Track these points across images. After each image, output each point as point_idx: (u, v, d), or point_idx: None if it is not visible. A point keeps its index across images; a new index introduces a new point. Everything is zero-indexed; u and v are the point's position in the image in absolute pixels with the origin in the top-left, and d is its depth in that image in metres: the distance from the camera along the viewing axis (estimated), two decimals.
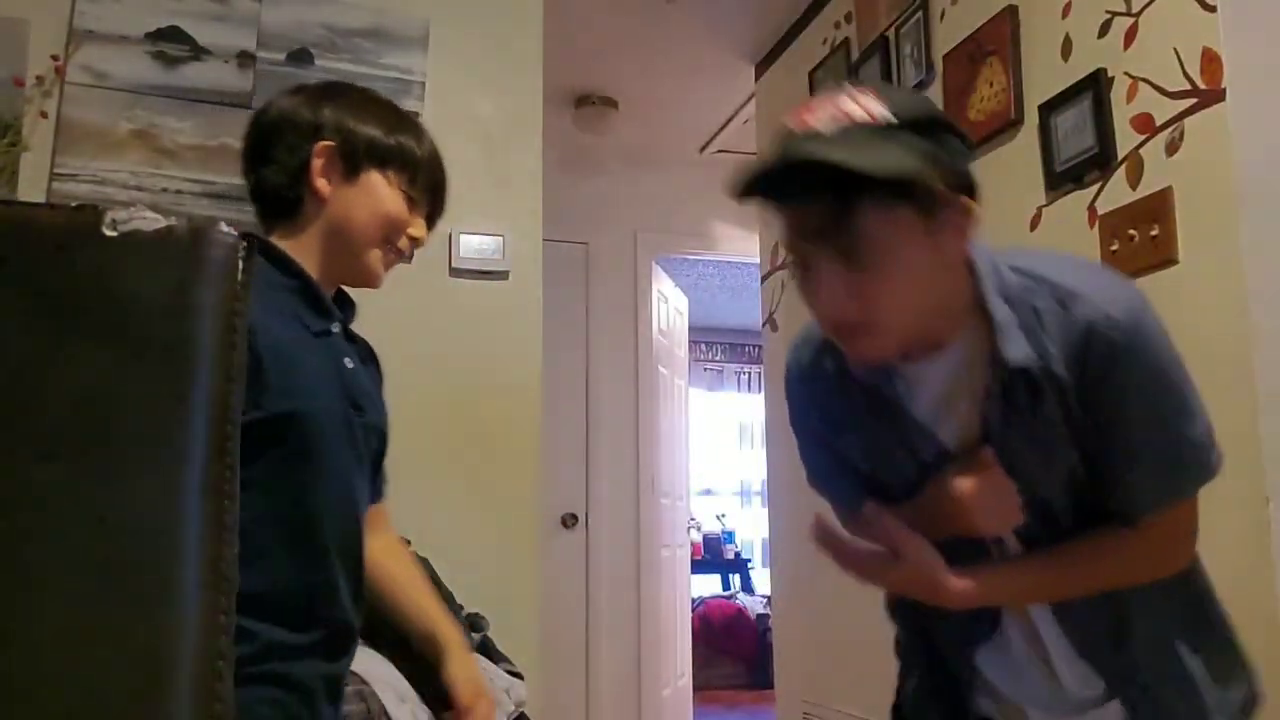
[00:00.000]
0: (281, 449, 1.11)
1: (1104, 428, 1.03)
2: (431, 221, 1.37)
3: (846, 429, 1.20)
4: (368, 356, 1.37)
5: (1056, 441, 1.05)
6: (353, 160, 1.26)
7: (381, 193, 1.27)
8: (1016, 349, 1.01)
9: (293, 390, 1.13)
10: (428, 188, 1.33)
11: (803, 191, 0.99)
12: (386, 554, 1.43)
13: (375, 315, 2.34)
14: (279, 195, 1.26)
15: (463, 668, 1.39)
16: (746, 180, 1.00)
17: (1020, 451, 1.05)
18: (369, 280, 1.31)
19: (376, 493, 1.38)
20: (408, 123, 1.33)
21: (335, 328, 1.26)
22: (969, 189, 1.01)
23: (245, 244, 0.83)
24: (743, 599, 6.61)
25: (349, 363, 1.26)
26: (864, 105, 0.96)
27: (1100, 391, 1.02)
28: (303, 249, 1.25)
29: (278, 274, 1.21)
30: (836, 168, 0.92)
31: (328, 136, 1.25)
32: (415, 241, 1.33)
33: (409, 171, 1.29)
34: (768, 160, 0.98)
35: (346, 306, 1.33)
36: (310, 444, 1.14)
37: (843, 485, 1.30)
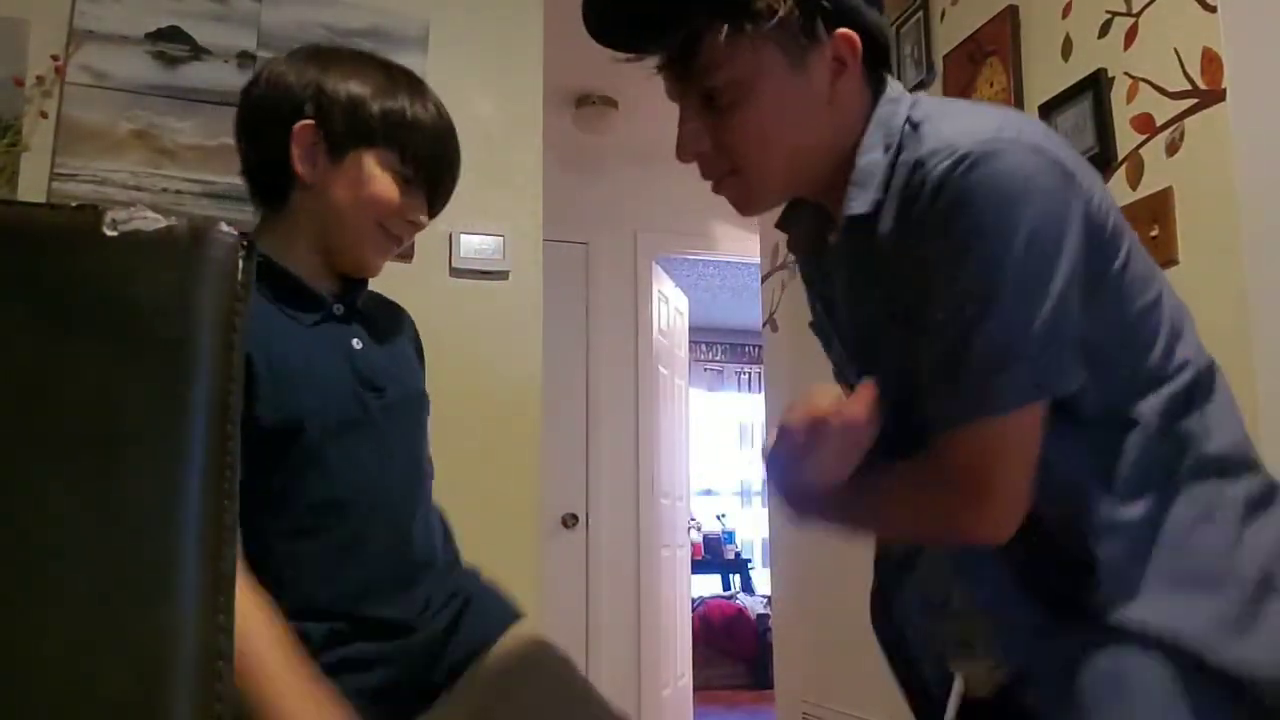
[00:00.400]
0: (291, 455, 1.07)
1: (913, 301, 0.86)
2: (436, 200, 1.23)
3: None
4: (389, 328, 1.27)
5: (880, 320, 0.91)
6: (336, 140, 1.14)
7: (369, 175, 1.14)
8: (858, 201, 0.90)
9: (291, 395, 1.08)
10: (425, 163, 1.18)
11: (647, 32, 0.94)
12: None
13: None
14: (264, 180, 1.18)
15: None
16: (588, 25, 0.97)
17: (864, 332, 0.94)
18: (364, 270, 1.21)
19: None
20: (402, 86, 1.17)
21: (338, 309, 1.18)
22: (853, 21, 0.91)
23: (246, 244, 0.83)
24: (743, 599, 6.61)
25: (357, 344, 1.18)
26: None
27: (909, 246, 0.86)
28: (293, 237, 1.16)
29: (265, 277, 1.15)
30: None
31: (308, 114, 1.13)
32: (413, 226, 1.21)
33: (398, 147, 1.15)
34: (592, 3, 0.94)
35: (354, 284, 1.23)
36: (316, 447, 1.09)
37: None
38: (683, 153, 0.96)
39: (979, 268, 0.81)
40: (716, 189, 0.97)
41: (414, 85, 1.19)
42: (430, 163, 1.18)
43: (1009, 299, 0.80)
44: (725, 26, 0.88)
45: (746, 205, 0.98)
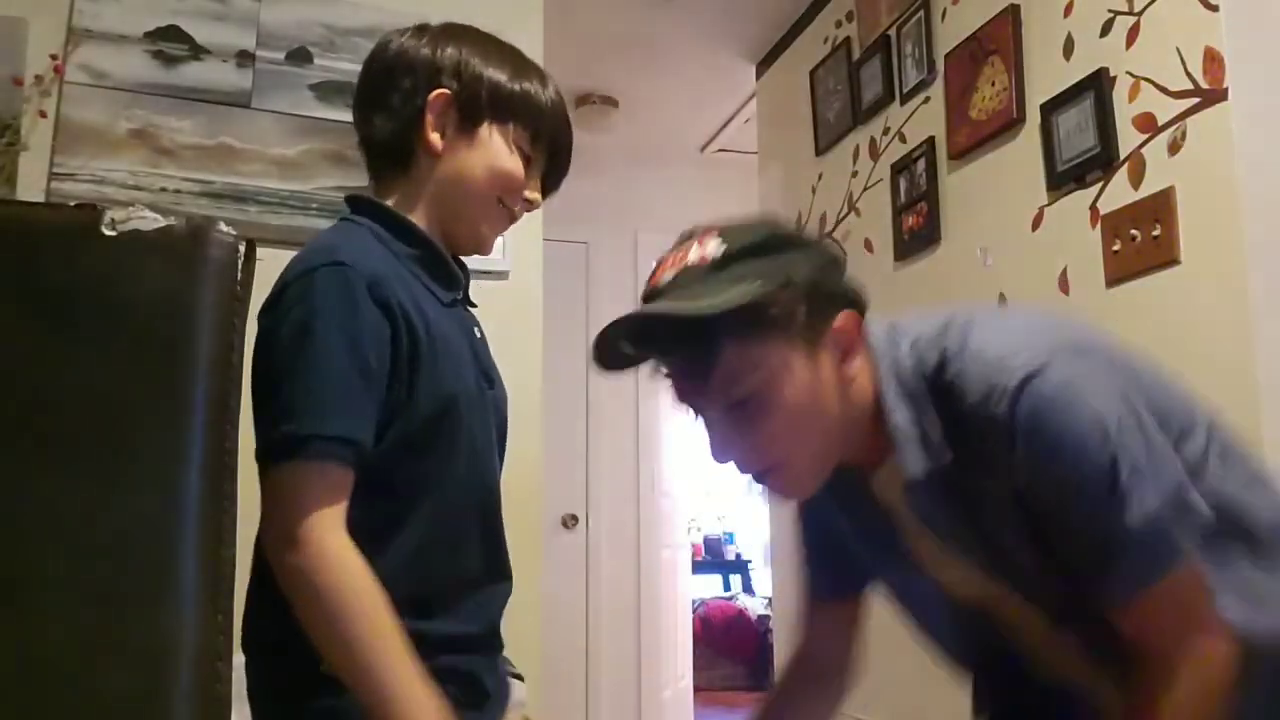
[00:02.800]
0: (439, 438, 1.06)
1: (1042, 514, 0.94)
2: (551, 183, 1.23)
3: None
4: (479, 326, 1.27)
5: (998, 528, 0.96)
6: (471, 112, 1.13)
7: (499, 149, 1.14)
8: (913, 463, 0.95)
9: (447, 374, 1.07)
10: (549, 145, 1.19)
11: (660, 350, 0.98)
12: None
13: None
14: (390, 146, 1.15)
15: None
16: (600, 353, 0.99)
17: (985, 552, 0.98)
18: (480, 246, 1.19)
19: None
20: (532, 70, 1.19)
21: (459, 293, 1.18)
22: (847, 300, 0.98)
23: (246, 244, 0.82)
24: (743, 600, 6.61)
25: (478, 332, 1.19)
26: (700, 245, 0.97)
27: (1001, 483, 0.94)
28: (415, 209, 1.15)
29: (401, 242, 1.12)
30: (668, 319, 0.92)
31: (445, 84, 1.13)
32: (529, 205, 1.20)
33: (531, 127, 1.16)
34: (604, 330, 0.98)
35: (464, 271, 1.22)
36: (461, 428, 1.08)
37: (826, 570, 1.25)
38: (722, 456, 1.02)
39: (1091, 471, 0.88)
40: (760, 481, 1.02)
41: (540, 71, 1.20)
42: (554, 145, 1.20)
43: (1133, 474, 0.88)
44: (747, 338, 0.93)
45: (797, 494, 1.05)
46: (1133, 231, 1.89)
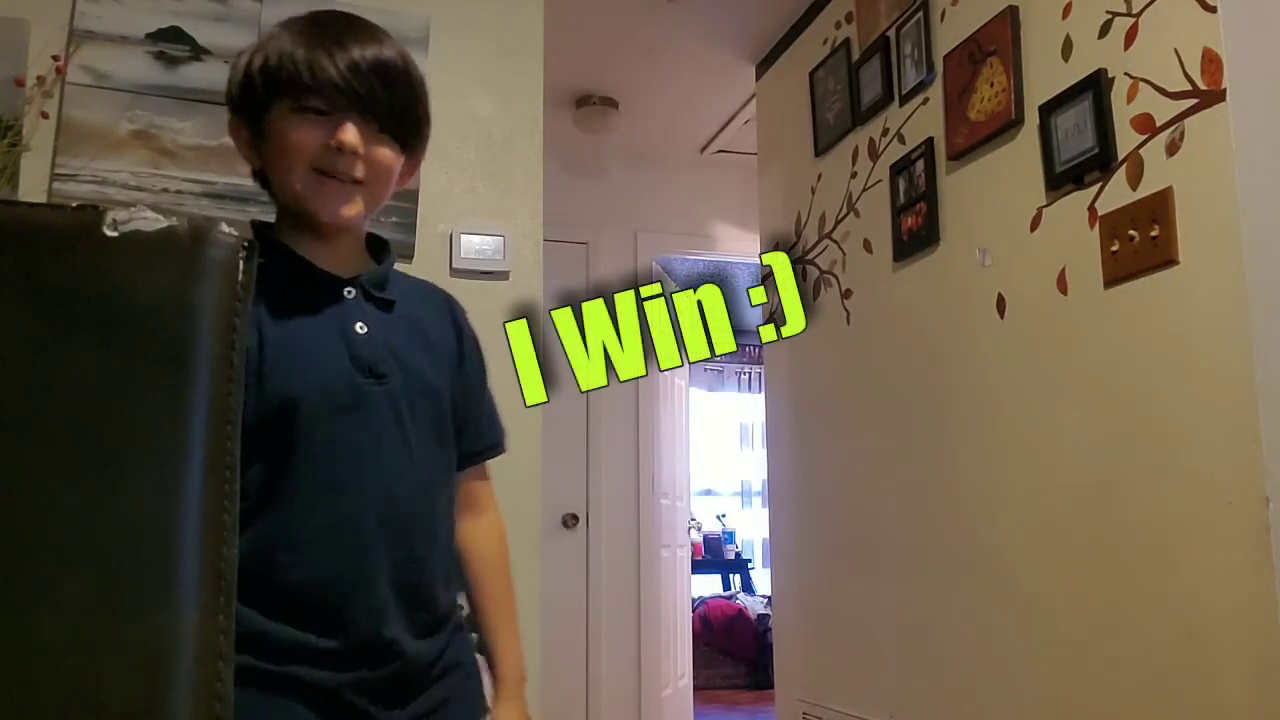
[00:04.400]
0: (275, 443, 1.05)
1: None
2: (371, 114, 1.12)
3: None
4: (419, 315, 1.22)
5: None
6: (248, 119, 1.14)
7: (278, 131, 1.11)
8: None
9: (279, 379, 1.06)
10: (335, 87, 1.09)
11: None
12: (467, 541, 1.31)
13: None
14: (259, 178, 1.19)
15: (508, 712, 1.25)
16: None
17: None
18: (329, 218, 1.14)
19: (463, 459, 1.27)
20: (262, 42, 1.14)
21: (349, 292, 1.14)
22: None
23: (246, 244, 0.83)
24: (743, 599, 6.61)
25: (361, 328, 1.13)
26: None
27: None
28: (282, 219, 1.19)
29: (274, 260, 1.12)
30: None
31: (230, 107, 1.16)
32: (340, 151, 1.10)
33: (291, 89, 1.08)
34: None
35: (383, 252, 1.21)
36: (303, 430, 1.06)
37: None
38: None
39: None
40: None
41: (333, 35, 1.14)
42: (330, 84, 1.09)
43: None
44: None
45: None
46: (1131, 232, 1.89)
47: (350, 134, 1.10)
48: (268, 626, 1.02)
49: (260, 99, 1.11)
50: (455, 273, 2.44)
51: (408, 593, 1.11)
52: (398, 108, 1.15)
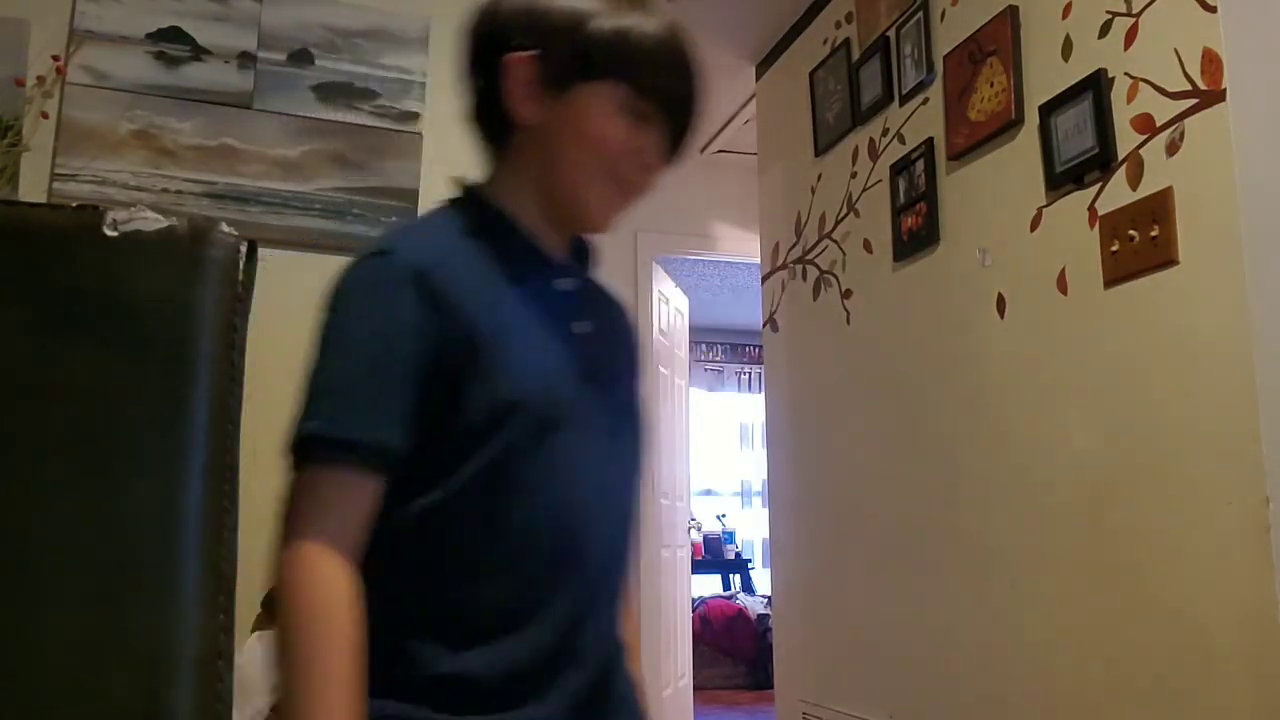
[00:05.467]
0: (496, 448, 0.89)
1: None
2: (679, 139, 1.01)
3: None
4: (616, 317, 1.09)
5: None
6: (556, 72, 0.96)
7: (593, 112, 0.96)
8: None
9: (514, 377, 0.90)
10: (663, 95, 0.97)
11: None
12: None
13: None
14: (479, 122, 1.04)
15: None
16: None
17: None
18: (593, 224, 1.02)
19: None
20: (631, 5, 0.99)
21: (566, 284, 1.00)
22: None
23: (246, 244, 0.83)
24: (743, 599, 6.61)
25: (581, 327, 0.99)
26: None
27: None
28: (517, 185, 1.00)
29: (481, 226, 0.97)
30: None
31: (521, 43, 0.97)
32: (648, 170, 1.00)
33: (631, 79, 0.96)
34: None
35: (585, 254, 1.06)
36: (522, 441, 0.90)
37: None
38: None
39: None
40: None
41: (647, 4, 1.00)
42: (667, 96, 0.98)
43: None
44: None
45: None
46: (1131, 232, 1.89)
47: (663, 150, 1.00)
48: (463, 668, 0.87)
49: (594, 64, 0.96)
50: None
51: (614, 631, 0.98)
52: (687, 149, 1.05)
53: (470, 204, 1.01)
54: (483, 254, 0.95)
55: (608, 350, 1.03)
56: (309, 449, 0.87)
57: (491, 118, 1.02)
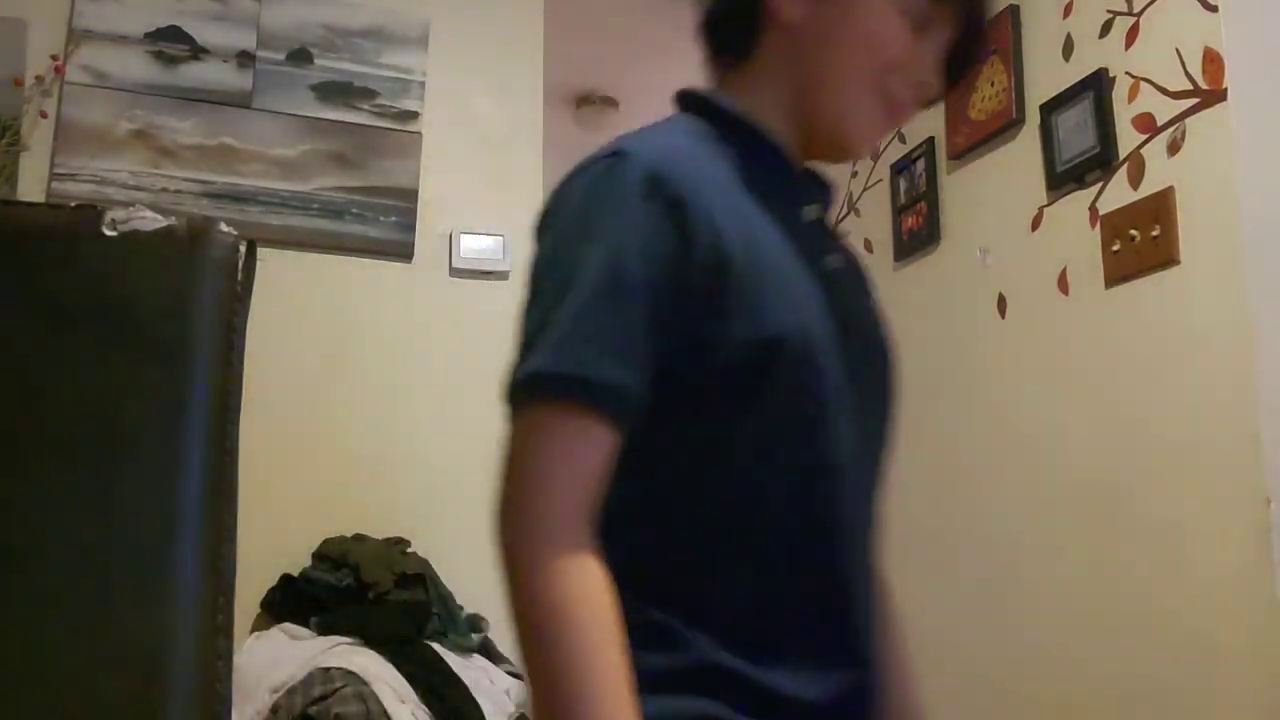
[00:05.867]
0: (757, 398, 0.75)
1: None
2: (960, 62, 0.87)
3: None
4: (856, 262, 0.93)
5: None
6: None
7: (871, 12, 0.82)
8: None
9: (771, 308, 0.75)
10: (958, 8, 0.84)
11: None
12: None
13: (375, 314, 2.35)
14: (723, 24, 0.88)
15: None
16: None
17: None
18: (849, 147, 0.88)
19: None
20: None
21: (812, 212, 0.86)
22: None
23: (246, 244, 0.83)
24: None
25: (832, 262, 0.84)
26: None
27: None
28: (761, 98, 0.86)
29: (728, 139, 0.83)
30: None
31: None
32: (920, 89, 0.86)
33: None
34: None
35: (821, 186, 0.91)
36: (800, 385, 0.76)
37: None
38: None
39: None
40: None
41: None
42: (965, 8, 0.85)
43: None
44: None
45: None
46: (1132, 232, 1.89)
47: (940, 69, 0.86)
48: (724, 660, 0.74)
49: None
50: (455, 273, 2.44)
51: (873, 618, 0.84)
52: (966, 74, 0.90)
53: (710, 112, 0.85)
54: (729, 167, 0.81)
55: (855, 295, 0.88)
56: (540, 390, 0.71)
57: (740, 18, 0.86)
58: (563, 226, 0.78)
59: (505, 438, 0.73)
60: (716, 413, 0.76)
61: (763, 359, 0.75)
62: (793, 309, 0.77)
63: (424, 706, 1.80)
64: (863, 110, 0.84)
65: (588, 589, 0.68)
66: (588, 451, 0.71)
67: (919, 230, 2.58)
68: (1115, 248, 1.93)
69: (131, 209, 0.76)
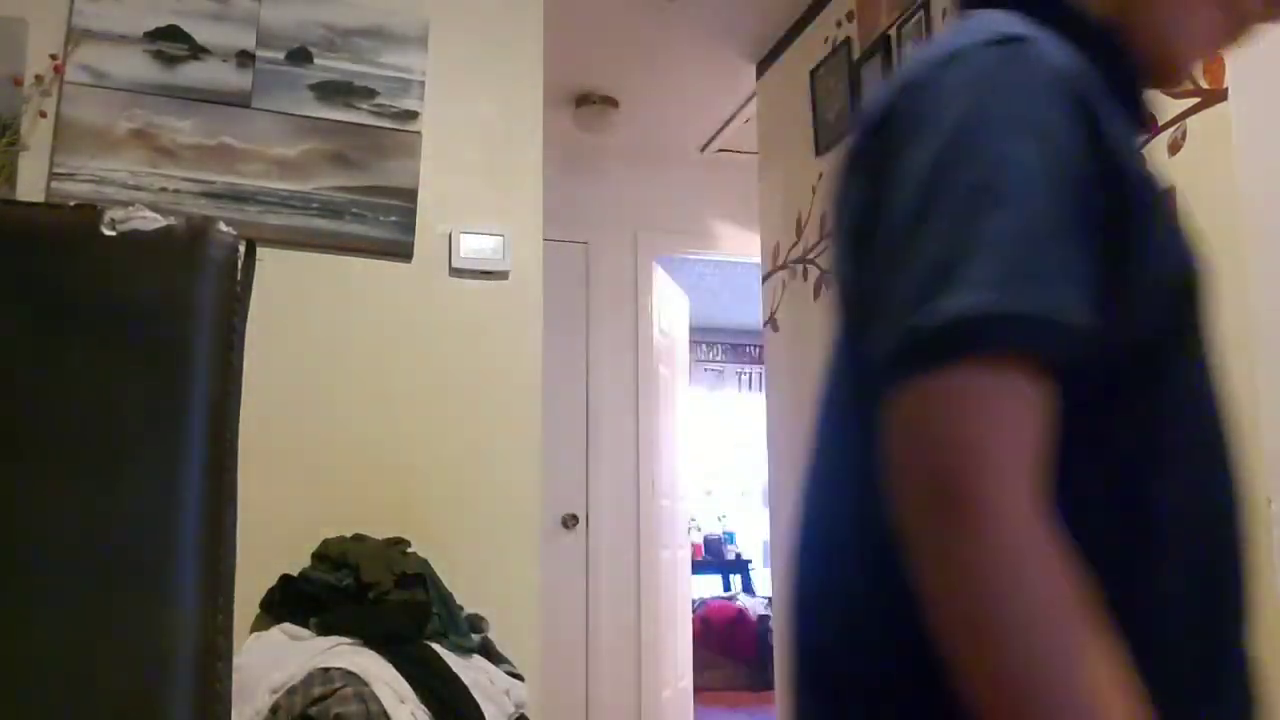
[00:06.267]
0: (1172, 354, 0.61)
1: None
2: None
3: None
4: None
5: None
6: None
7: None
8: None
9: (1171, 243, 0.64)
10: None
11: None
12: None
13: (375, 314, 2.35)
14: None
15: None
16: None
17: None
18: (1179, 66, 0.74)
19: None
20: None
21: (1143, 144, 0.76)
22: None
23: (246, 244, 0.83)
24: (743, 600, 6.61)
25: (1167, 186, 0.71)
26: None
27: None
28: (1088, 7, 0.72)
29: (1075, 43, 0.65)
30: None
31: None
32: (1273, 7, 0.72)
33: None
34: None
35: (1151, 121, 0.79)
36: (1184, 354, 0.63)
37: None
38: None
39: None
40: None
41: None
42: None
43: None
44: None
45: None
46: None
47: None
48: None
49: None
50: (455, 272, 2.44)
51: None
52: None
53: (1040, 9, 0.68)
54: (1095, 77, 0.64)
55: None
56: (985, 335, 0.53)
57: None
58: (956, 121, 0.58)
59: (911, 402, 0.54)
60: (1145, 374, 0.60)
61: (1177, 303, 0.60)
62: (1186, 257, 0.63)
63: (424, 707, 1.80)
64: (1201, 25, 0.70)
65: (1077, 587, 0.52)
66: (1041, 417, 0.54)
67: None
68: None
69: (131, 209, 0.76)
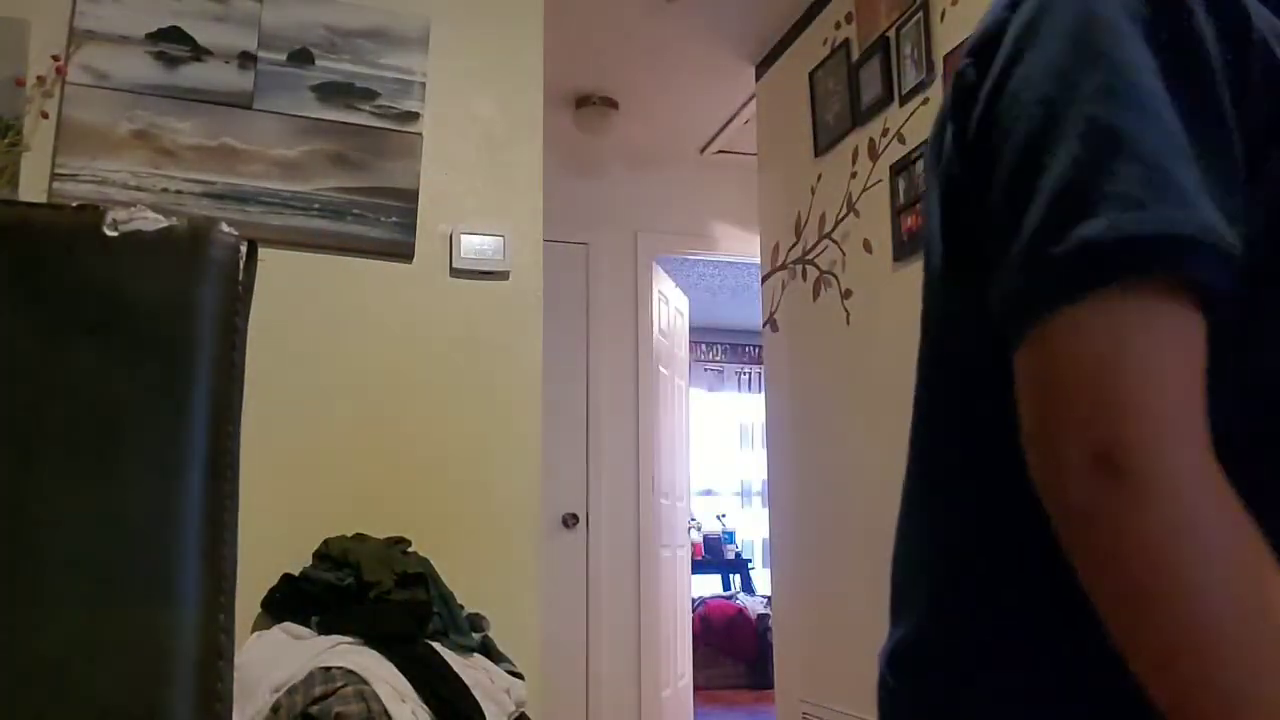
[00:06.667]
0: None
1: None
2: None
3: None
4: None
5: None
6: None
7: None
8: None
9: None
10: None
11: None
12: None
13: (376, 315, 2.35)
14: None
15: None
16: None
17: None
18: None
19: None
20: None
21: None
22: None
23: (246, 245, 0.83)
24: (743, 599, 6.61)
25: None
26: None
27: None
28: None
29: None
30: None
31: None
32: None
33: None
34: None
35: None
36: None
37: None
38: None
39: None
40: None
41: None
42: None
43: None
44: None
45: None
46: None
47: None
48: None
49: None
50: (455, 273, 2.44)
51: None
52: None
53: None
54: None
55: None
56: (1132, 261, 0.47)
57: None
58: (1072, 23, 0.52)
59: (1055, 345, 0.48)
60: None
61: None
62: None
63: (424, 705, 1.81)
64: None
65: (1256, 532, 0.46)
66: (1204, 355, 0.48)
67: (919, 230, 2.58)
68: None
69: (133, 209, 0.77)
